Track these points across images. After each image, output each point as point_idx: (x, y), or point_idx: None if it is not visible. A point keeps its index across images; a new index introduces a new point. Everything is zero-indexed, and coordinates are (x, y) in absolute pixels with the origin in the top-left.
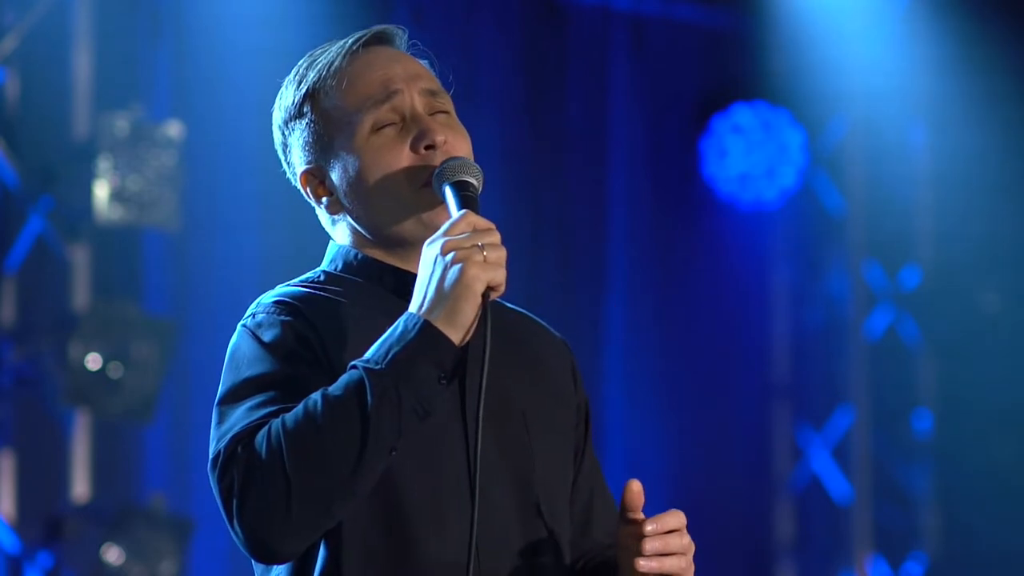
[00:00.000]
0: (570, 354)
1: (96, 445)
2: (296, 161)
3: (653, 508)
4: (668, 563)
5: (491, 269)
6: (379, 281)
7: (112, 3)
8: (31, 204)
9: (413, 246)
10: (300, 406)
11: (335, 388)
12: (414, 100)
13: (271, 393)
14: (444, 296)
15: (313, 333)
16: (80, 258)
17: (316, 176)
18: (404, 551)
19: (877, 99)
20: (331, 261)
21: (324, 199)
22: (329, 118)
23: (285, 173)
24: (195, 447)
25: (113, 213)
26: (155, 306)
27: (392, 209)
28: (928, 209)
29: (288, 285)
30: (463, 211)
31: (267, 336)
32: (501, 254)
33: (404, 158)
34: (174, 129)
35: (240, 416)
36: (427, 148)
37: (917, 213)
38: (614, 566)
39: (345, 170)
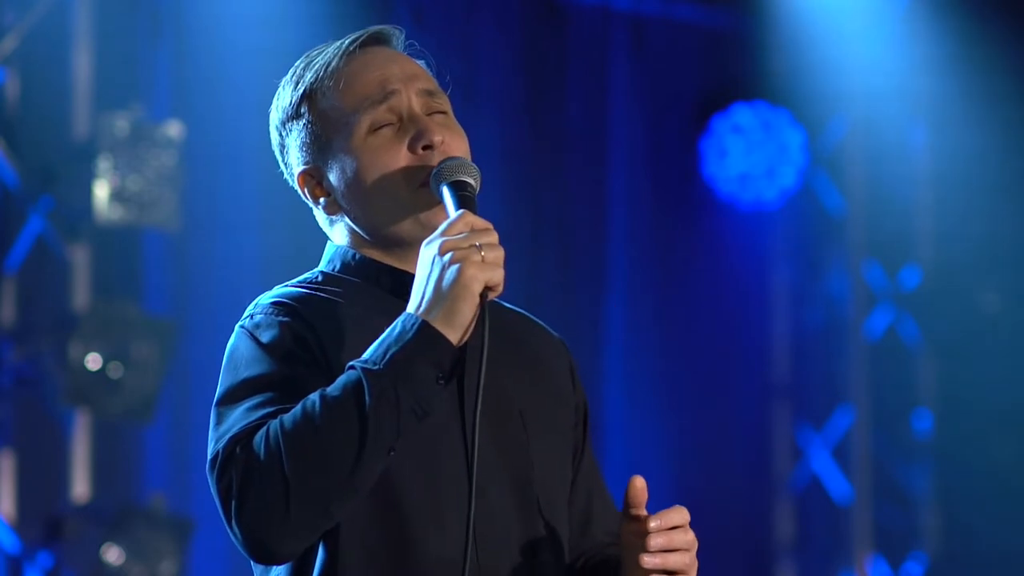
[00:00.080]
0: (568, 354)
1: (96, 445)
2: (293, 162)
3: (653, 508)
4: (672, 559)
5: (489, 269)
6: (377, 281)
7: (112, 3)
8: (31, 204)
9: (411, 246)
10: (298, 407)
11: (333, 389)
12: (411, 100)
13: (269, 394)
14: (442, 296)
15: (311, 334)
16: (80, 258)
17: (314, 177)
18: (403, 551)
19: (877, 99)
20: (329, 261)
21: (322, 199)
22: (326, 119)
23: (283, 174)
24: (195, 447)
25: (113, 213)
26: (155, 306)
27: (390, 209)
28: (928, 209)
29: (286, 286)
30: (461, 211)
31: (265, 337)
32: (499, 254)
33: (402, 158)
34: (174, 129)
35: (238, 417)
36: (425, 148)
37: (917, 213)
38: (614, 565)
39: (343, 170)
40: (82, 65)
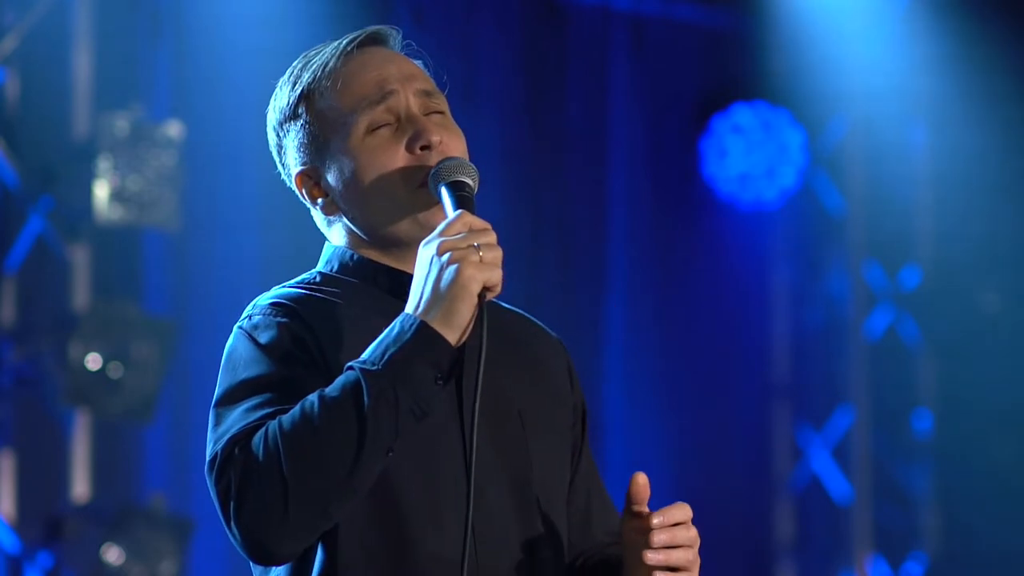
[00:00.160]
0: (566, 354)
1: (96, 445)
2: (291, 162)
3: (653, 508)
4: (675, 555)
5: (487, 269)
6: (375, 282)
7: (112, 3)
8: (31, 204)
9: (409, 246)
10: (297, 408)
11: (332, 389)
12: (409, 101)
13: (268, 395)
14: (440, 296)
15: (309, 334)
16: (80, 258)
17: (311, 177)
18: (402, 551)
19: (877, 99)
20: (327, 262)
21: (319, 200)
22: (324, 119)
23: (280, 174)
24: (195, 447)
25: (113, 213)
26: (155, 306)
27: (388, 210)
28: (928, 209)
29: (284, 286)
30: (459, 211)
31: (263, 338)
32: (497, 254)
33: (400, 159)
34: (174, 129)
35: (237, 418)
36: (423, 148)
37: (917, 213)
38: (614, 564)
39: (341, 171)
40: (82, 65)
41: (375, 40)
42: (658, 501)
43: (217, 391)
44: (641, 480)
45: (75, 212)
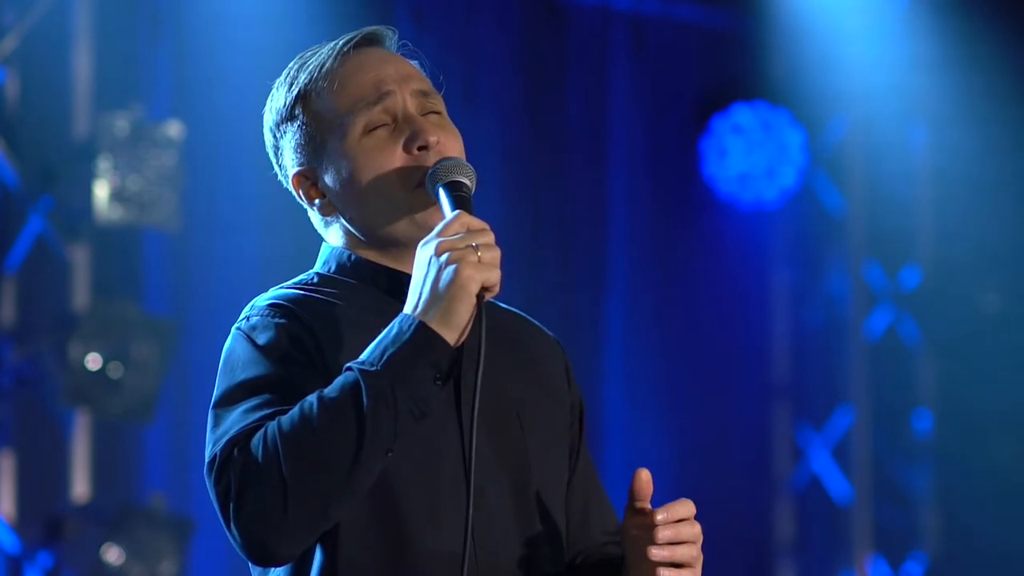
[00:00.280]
0: (564, 354)
1: (96, 445)
2: (288, 163)
3: (653, 507)
4: (680, 551)
5: (486, 269)
6: (372, 282)
7: (112, 3)
8: (31, 204)
9: (407, 247)
10: (296, 408)
11: (331, 390)
12: (406, 101)
13: (266, 396)
14: (439, 297)
15: (308, 335)
16: (80, 258)
17: (308, 178)
18: (401, 551)
19: (877, 99)
20: (324, 263)
21: (317, 201)
22: (321, 120)
23: (277, 175)
24: (195, 447)
25: (113, 213)
26: (155, 306)
27: (385, 210)
28: (928, 209)
29: (281, 287)
30: (457, 211)
31: (262, 339)
32: (495, 254)
33: (397, 159)
34: (174, 129)
35: (236, 419)
36: (420, 149)
37: (917, 213)
38: (613, 563)
39: (338, 172)
40: (82, 65)
41: (371, 40)
42: (658, 501)
43: (215, 392)
44: (644, 476)
45: (75, 212)
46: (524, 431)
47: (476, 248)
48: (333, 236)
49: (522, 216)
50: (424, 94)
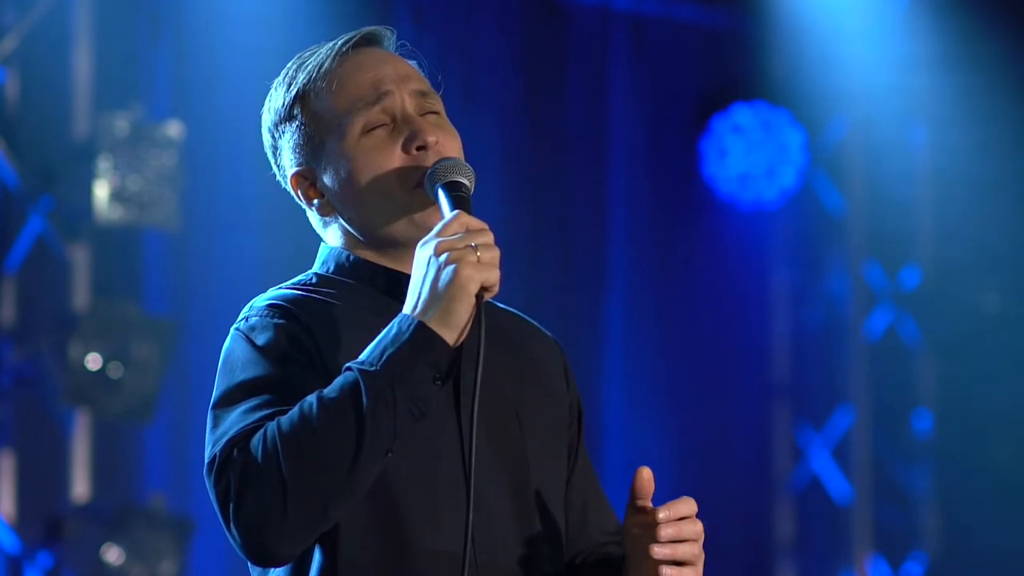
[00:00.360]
0: (562, 354)
1: (96, 445)
2: (286, 163)
3: (653, 506)
4: (682, 549)
5: (485, 269)
6: (371, 282)
7: (112, 3)
8: (31, 204)
9: (405, 247)
10: (295, 409)
11: (330, 390)
12: (405, 101)
13: (266, 396)
14: (438, 297)
15: (306, 335)
16: (80, 258)
17: (307, 178)
18: (401, 551)
19: (877, 99)
20: (323, 263)
21: (315, 201)
22: (319, 120)
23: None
24: (195, 447)
25: (113, 213)
26: (155, 306)
27: (384, 210)
28: (928, 209)
29: (280, 288)
30: (456, 212)
31: (260, 339)
32: (494, 254)
33: (395, 159)
34: (174, 129)
35: (235, 420)
36: (419, 149)
37: (917, 213)
38: (613, 563)
39: (336, 172)
40: (82, 65)
41: (370, 41)
42: (658, 501)
43: (214, 393)
44: (646, 474)
45: (75, 212)
46: (523, 431)
47: (475, 248)
48: (331, 236)
49: (522, 216)
50: (423, 94)
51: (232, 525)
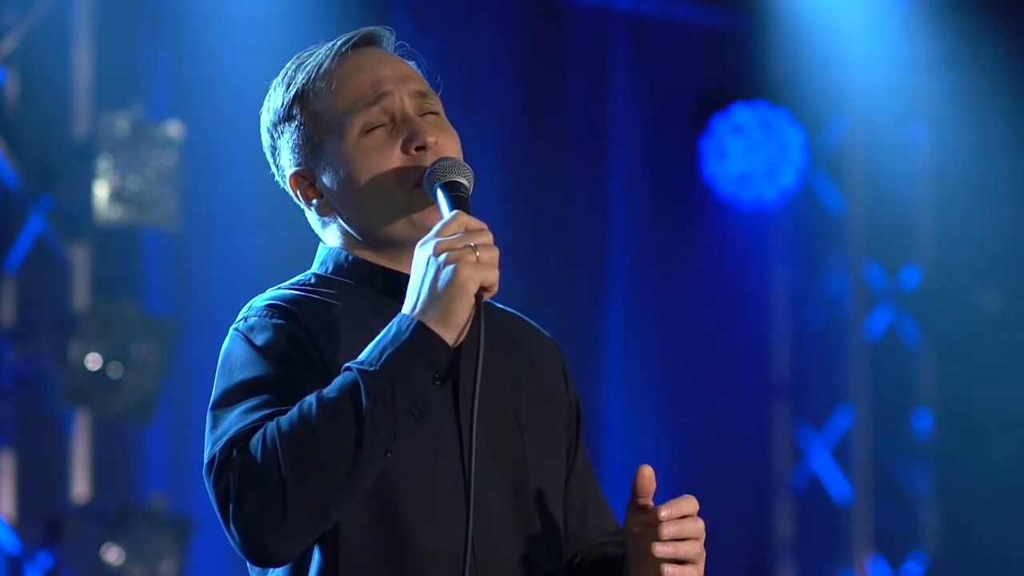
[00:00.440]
0: (561, 354)
1: (96, 445)
2: (285, 163)
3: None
4: (684, 547)
5: (484, 269)
6: (370, 282)
7: (112, 3)
8: (31, 204)
9: (404, 247)
10: (295, 409)
11: (330, 390)
12: (404, 101)
13: (265, 396)
14: (437, 297)
15: (306, 336)
16: (80, 258)
17: (306, 178)
18: (400, 551)
19: (877, 98)
20: (321, 263)
21: (314, 201)
22: (319, 120)
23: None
24: (195, 447)
25: (113, 213)
26: (155, 306)
27: (383, 210)
28: (928, 208)
29: (279, 288)
30: (455, 212)
31: (259, 339)
32: (494, 254)
33: (395, 159)
34: (174, 129)
35: (234, 420)
36: (418, 149)
37: (917, 212)
38: (612, 563)
39: (336, 172)
40: (82, 65)
41: (369, 41)
42: (658, 501)
43: (214, 393)
44: (647, 473)
45: (75, 212)
46: (522, 431)
47: (474, 248)
48: (330, 236)
49: (522, 216)
50: (422, 95)
51: (231, 525)
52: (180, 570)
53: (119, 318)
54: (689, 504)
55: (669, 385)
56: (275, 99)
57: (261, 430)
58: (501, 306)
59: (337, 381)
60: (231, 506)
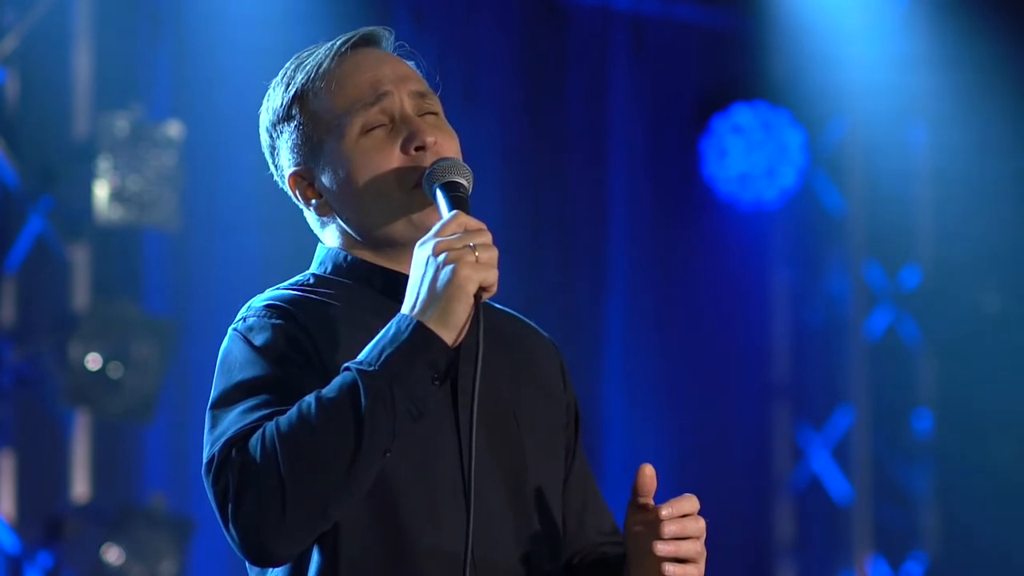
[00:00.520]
0: (559, 355)
1: (96, 445)
2: (284, 163)
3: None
4: (685, 546)
5: (483, 269)
6: (368, 282)
7: (112, 3)
8: (31, 204)
9: (404, 247)
10: (294, 409)
11: (329, 390)
12: (403, 102)
13: (264, 396)
14: (436, 297)
15: (304, 336)
16: (80, 258)
17: (305, 178)
18: (400, 551)
19: (877, 98)
20: (320, 263)
21: (313, 201)
22: (318, 120)
23: (273, 175)
24: (195, 447)
25: (113, 213)
26: (155, 306)
27: (382, 211)
28: (928, 208)
29: (278, 288)
30: (454, 212)
31: (258, 340)
32: (493, 254)
33: (394, 159)
34: (174, 129)
35: (233, 420)
36: (417, 149)
37: (917, 212)
38: (610, 563)
39: (335, 172)
40: (82, 65)
41: (368, 41)
42: (657, 501)
43: (213, 394)
44: (648, 472)
45: (75, 212)
46: (521, 431)
47: (473, 248)
48: (329, 237)
49: (522, 216)
50: (421, 95)
51: (231, 525)
52: (180, 570)
53: (119, 318)
54: (690, 503)
55: (669, 385)
56: (274, 99)
57: (260, 430)
58: (499, 306)
59: (336, 381)
60: (230, 506)
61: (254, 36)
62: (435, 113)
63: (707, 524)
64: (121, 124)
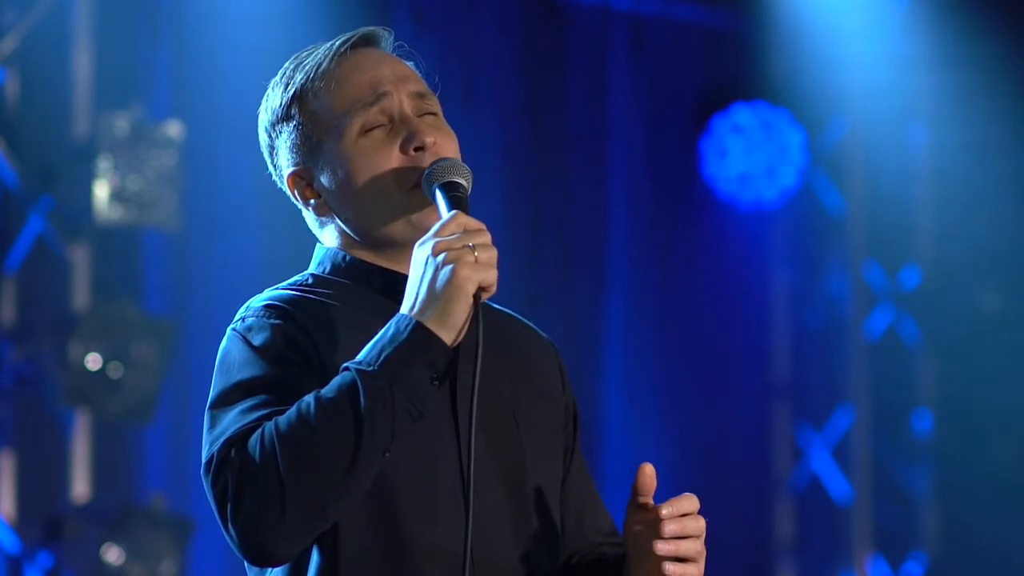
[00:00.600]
0: (558, 356)
1: (96, 445)
2: (283, 163)
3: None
4: (685, 545)
5: (482, 269)
6: (367, 283)
7: (112, 3)
8: (31, 204)
9: (403, 247)
10: (293, 409)
11: (328, 390)
12: (403, 102)
13: (263, 396)
14: (436, 297)
15: (303, 336)
16: (80, 258)
17: (304, 178)
18: (399, 551)
19: (876, 98)
20: (319, 263)
21: (312, 201)
22: (317, 120)
23: (271, 175)
24: (195, 447)
25: (113, 213)
26: (155, 306)
27: (381, 211)
28: (928, 208)
29: (276, 288)
30: (453, 212)
31: (257, 340)
32: (492, 254)
33: (393, 160)
34: (174, 129)
35: (232, 420)
36: (416, 149)
37: (917, 212)
38: (609, 563)
39: (334, 172)
40: (82, 65)
41: (368, 41)
42: (657, 501)
43: (212, 394)
44: (648, 471)
45: (75, 212)
46: (520, 431)
47: (473, 248)
48: (328, 237)
49: (522, 216)
50: (420, 95)
51: (230, 525)
52: (180, 570)
53: (119, 318)
54: (690, 502)
55: (669, 385)
56: (273, 99)
57: (259, 430)
58: (499, 307)
59: (335, 381)
60: (229, 506)
61: (254, 36)
62: (434, 113)
63: (707, 524)
64: (121, 124)
